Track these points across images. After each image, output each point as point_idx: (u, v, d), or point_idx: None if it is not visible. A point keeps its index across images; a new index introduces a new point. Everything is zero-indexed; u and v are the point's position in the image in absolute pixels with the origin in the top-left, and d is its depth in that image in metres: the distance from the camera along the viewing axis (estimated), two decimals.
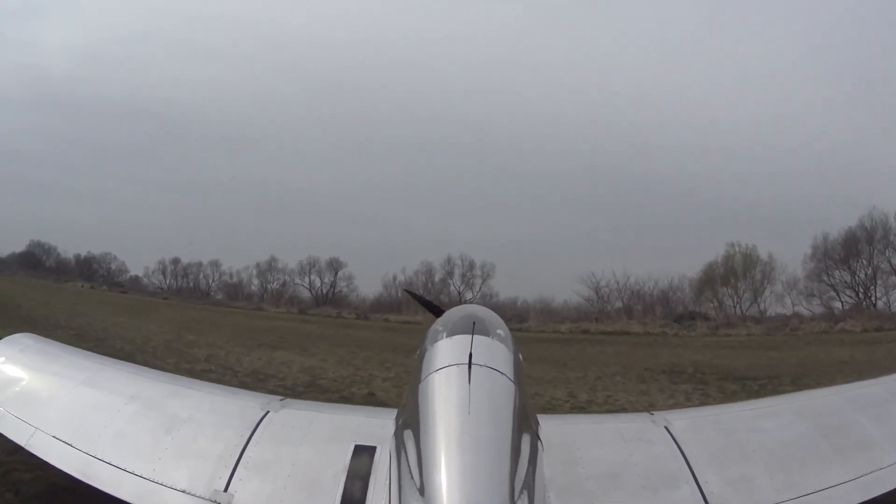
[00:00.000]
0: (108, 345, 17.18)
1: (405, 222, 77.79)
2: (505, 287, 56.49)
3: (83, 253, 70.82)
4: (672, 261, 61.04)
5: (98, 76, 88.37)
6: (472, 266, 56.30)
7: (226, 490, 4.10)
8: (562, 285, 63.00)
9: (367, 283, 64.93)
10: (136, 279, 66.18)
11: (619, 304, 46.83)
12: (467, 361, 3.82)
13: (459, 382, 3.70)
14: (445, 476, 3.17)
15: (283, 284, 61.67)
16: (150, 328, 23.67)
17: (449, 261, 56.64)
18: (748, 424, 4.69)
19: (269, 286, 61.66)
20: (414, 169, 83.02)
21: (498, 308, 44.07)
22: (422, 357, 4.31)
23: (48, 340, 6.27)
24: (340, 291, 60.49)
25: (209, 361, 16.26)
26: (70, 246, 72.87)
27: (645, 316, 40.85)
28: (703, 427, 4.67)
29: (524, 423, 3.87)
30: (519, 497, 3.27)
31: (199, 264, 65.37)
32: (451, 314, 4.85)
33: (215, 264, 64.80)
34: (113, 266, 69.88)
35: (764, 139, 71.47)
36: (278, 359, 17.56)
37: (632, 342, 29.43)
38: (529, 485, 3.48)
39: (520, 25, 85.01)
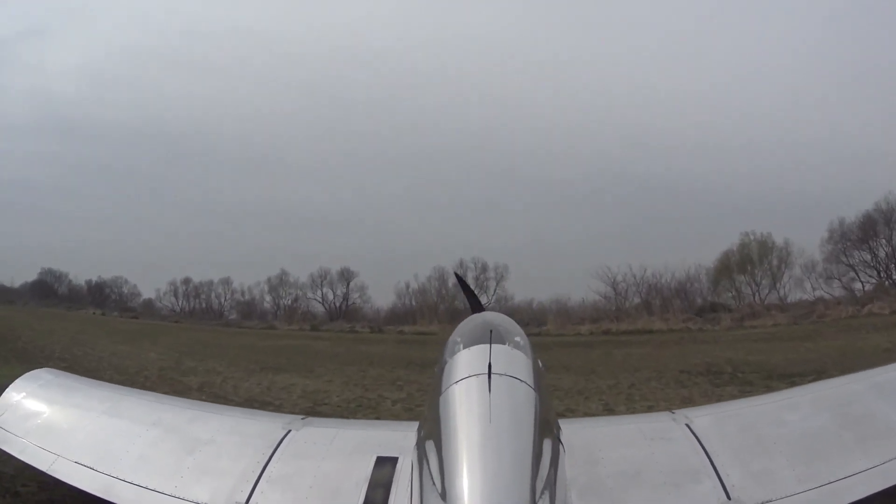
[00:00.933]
0: (99, 377, 15.62)
1: (415, 230, 76.36)
2: (520, 289, 55.11)
3: (94, 278, 70.11)
4: (687, 253, 60.33)
5: (103, 98, 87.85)
6: (485, 269, 54.47)
7: (247, 503, 4.12)
8: (577, 283, 62.02)
9: (381, 293, 64.84)
10: (148, 302, 65.06)
11: (636, 300, 45.37)
12: (487, 371, 3.85)
13: (480, 393, 3.74)
14: (467, 481, 3.22)
15: (296, 299, 59.62)
16: (148, 356, 22.46)
17: (461, 264, 54.56)
18: (769, 417, 4.65)
19: (281, 302, 60.08)
20: (421, 177, 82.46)
21: (515, 311, 42.85)
22: (441, 369, 4.34)
23: (68, 374, 6.38)
24: (353, 303, 58.71)
25: (202, 391, 15.04)
26: (81, 272, 72.25)
27: (665, 311, 39.41)
28: (725, 423, 4.63)
29: (545, 428, 3.91)
30: (540, 499, 3.32)
31: (211, 283, 63.69)
32: (468, 323, 4.83)
33: (226, 282, 63.09)
34: (125, 290, 68.92)
35: (773, 132, 69.87)
36: (279, 383, 16.31)
37: (657, 341, 28.03)
38: (551, 488, 3.53)
39: (520, 29, 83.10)
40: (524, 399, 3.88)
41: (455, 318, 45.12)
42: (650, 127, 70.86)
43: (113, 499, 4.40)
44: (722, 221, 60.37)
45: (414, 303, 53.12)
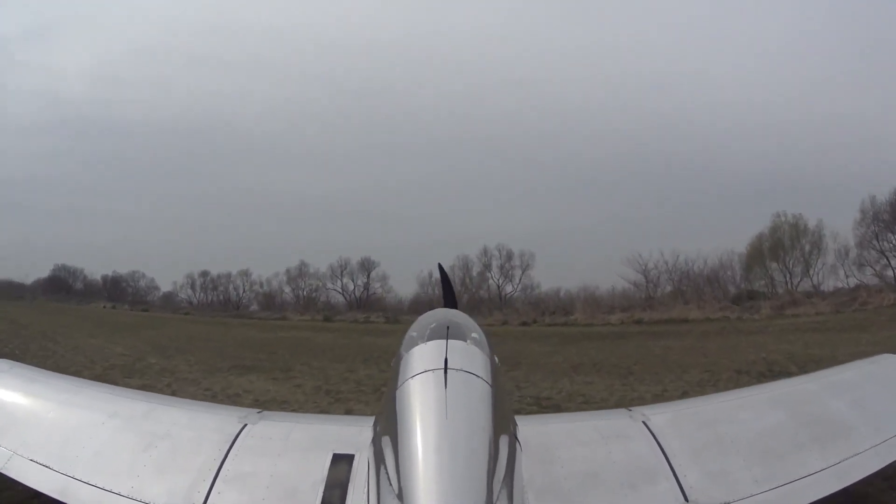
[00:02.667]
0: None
1: (438, 220, 73.41)
2: (546, 277, 52.76)
3: (110, 273, 69.49)
4: (719, 239, 60.17)
5: (114, 96, 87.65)
6: (510, 256, 51.79)
7: (205, 503, 4.02)
8: (605, 272, 60.85)
9: (404, 283, 63.62)
10: (169, 295, 64.48)
11: (668, 288, 42.98)
12: (443, 366, 3.81)
13: (436, 388, 3.68)
14: (423, 480, 3.18)
15: (316, 290, 58.11)
16: (114, 350, 20.11)
17: (486, 252, 52.16)
18: (726, 416, 4.65)
19: (300, 293, 58.54)
20: (444, 165, 78.99)
21: (541, 300, 43.87)
22: (398, 363, 4.28)
23: (25, 366, 6.21)
24: (374, 293, 56.31)
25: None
26: (99, 268, 72.09)
27: (699, 299, 37.15)
28: (682, 421, 4.59)
29: (502, 425, 3.87)
30: (497, 499, 3.29)
31: (228, 275, 62.57)
32: (425, 319, 4.83)
33: (245, 274, 61.91)
34: (142, 284, 68.65)
35: (802, 112, 65.97)
36: (237, 387, 13.66)
37: (697, 331, 25.15)
38: (508, 487, 3.51)
39: (542, 13, 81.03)
40: (480, 395, 3.78)
41: (476, 307, 43.84)
42: (677, 109, 68.75)
43: (70, 500, 4.24)
44: (754, 204, 59.82)
45: (437, 292, 50.53)
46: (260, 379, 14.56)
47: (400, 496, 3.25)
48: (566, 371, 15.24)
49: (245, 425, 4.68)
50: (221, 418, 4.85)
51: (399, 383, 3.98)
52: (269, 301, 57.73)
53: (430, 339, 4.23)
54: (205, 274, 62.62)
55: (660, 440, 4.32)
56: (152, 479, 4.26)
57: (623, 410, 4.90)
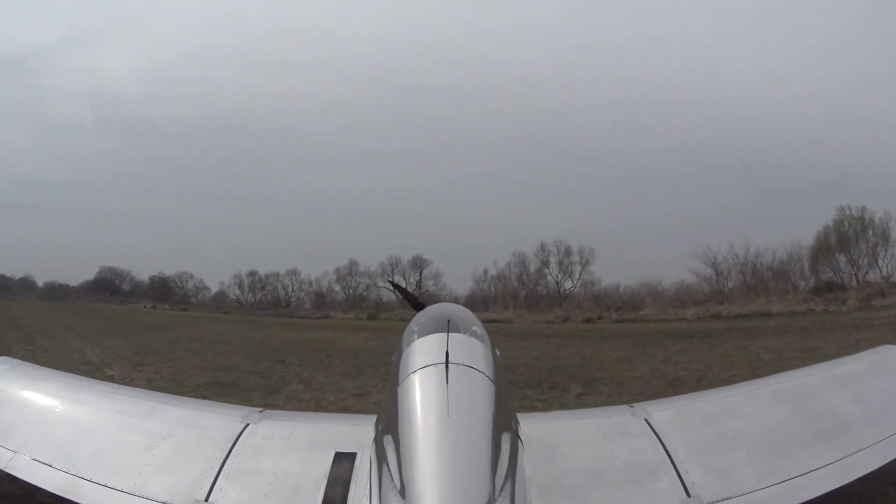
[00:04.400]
0: None
1: (493, 218, 74.42)
2: (606, 272, 52.31)
3: (157, 274, 69.66)
4: (785, 231, 57.41)
5: (167, 96, 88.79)
6: (568, 252, 49.83)
7: (207, 499, 4.04)
8: (666, 267, 59.84)
9: (458, 281, 63.47)
10: (220, 296, 65.12)
11: (737, 281, 40.97)
12: (444, 361, 3.74)
13: (437, 382, 3.63)
14: (426, 477, 3.13)
15: (367, 288, 57.01)
16: (85, 355, 17.09)
17: (543, 248, 50.23)
18: (728, 412, 4.61)
19: (350, 291, 57.67)
20: (500, 162, 79.50)
21: (603, 295, 40.96)
22: (398, 359, 4.20)
23: (26, 363, 6.17)
24: (426, 291, 53.98)
25: None
26: (147, 268, 71.92)
27: (774, 291, 34.75)
28: (683, 417, 4.58)
29: (504, 421, 3.82)
30: (499, 496, 3.26)
31: (277, 275, 62.87)
32: (425, 313, 4.78)
33: (293, 273, 62.18)
34: (189, 284, 67.48)
35: (863, 105, 62.44)
36: None
37: (793, 326, 21.06)
38: (510, 483, 3.47)
39: (595, 8, 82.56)
40: (482, 390, 3.70)
41: (533, 304, 40.57)
42: (741, 103, 66.76)
43: (73, 497, 4.20)
44: (817, 198, 58.49)
45: (492, 289, 49.73)
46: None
47: (402, 492, 3.19)
48: (666, 393, 10.41)
49: (248, 424, 4.64)
50: (224, 417, 4.80)
51: (400, 379, 3.86)
52: (320, 300, 57.02)
53: (429, 332, 4.07)
54: (252, 274, 63.53)
55: (662, 437, 4.29)
56: (155, 476, 4.23)
57: (625, 407, 4.83)
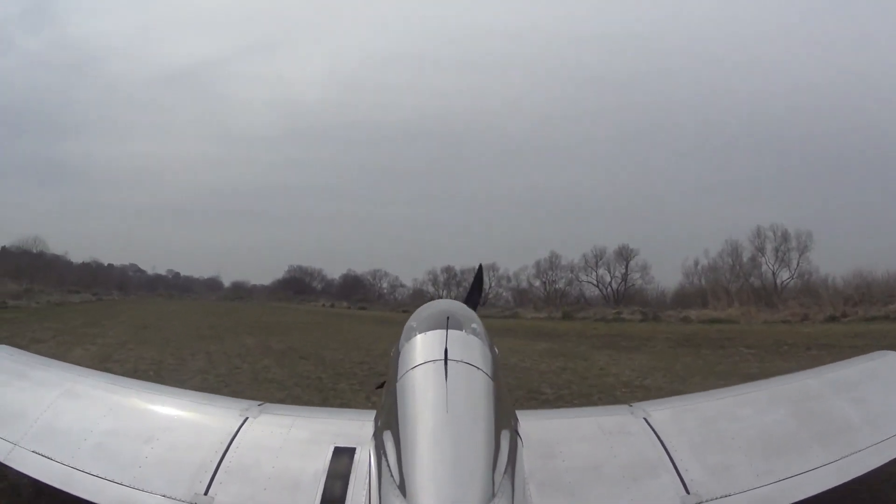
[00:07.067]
0: None
1: (702, 203, 72.10)
2: (825, 262, 48.43)
3: (347, 271, 71.55)
4: None
5: (353, 102, 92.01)
6: (785, 237, 44.89)
7: (206, 494, 4.02)
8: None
9: (666, 274, 60.84)
10: (418, 293, 64.75)
11: None
12: (443, 357, 3.82)
13: (436, 379, 3.71)
14: (425, 473, 3.18)
15: (568, 283, 55.07)
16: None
17: (759, 233, 45.44)
18: (727, 413, 4.65)
19: (549, 287, 55.98)
20: (708, 150, 77.20)
21: (820, 287, 36.70)
22: (397, 355, 4.31)
23: (26, 353, 6.14)
24: (633, 285, 52.75)
25: None
26: (341, 268, 74.86)
27: None
28: (683, 417, 4.60)
29: (502, 418, 3.85)
30: (498, 492, 3.25)
31: (473, 270, 59.36)
32: (424, 310, 4.71)
33: (491, 268, 60.08)
34: (384, 283, 68.33)
35: None
36: None
37: None
38: (509, 480, 3.47)
39: None
40: (481, 387, 3.77)
41: (753, 299, 34.99)
42: None
43: (72, 490, 4.19)
44: None
45: (704, 282, 45.28)
46: None
47: (401, 488, 3.22)
48: None
49: (247, 418, 4.64)
50: (223, 410, 4.81)
51: (399, 375, 3.98)
52: (520, 296, 55.06)
53: (428, 329, 4.14)
54: (448, 269, 62.95)
55: (661, 436, 4.31)
56: (154, 469, 4.22)
57: (624, 406, 4.84)
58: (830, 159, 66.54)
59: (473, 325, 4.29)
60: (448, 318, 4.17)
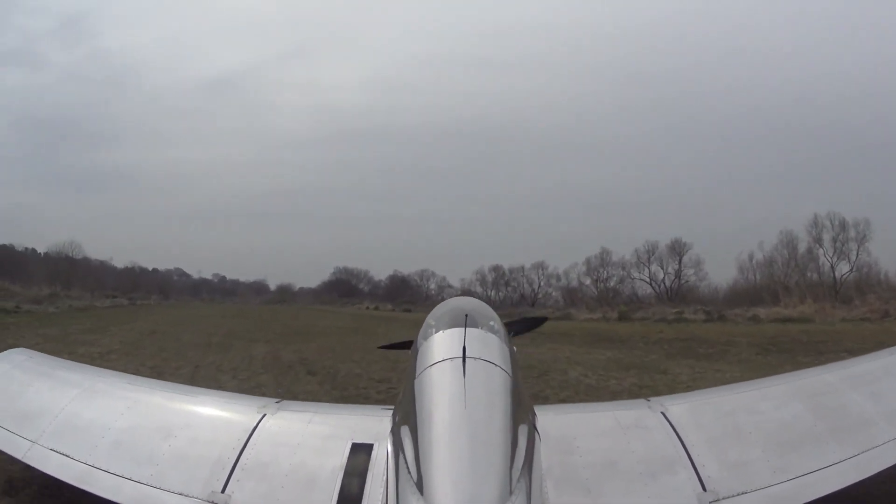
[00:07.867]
0: None
1: (756, 195, 70.05)
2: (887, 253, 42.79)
3: (392, 272, 71.08)
4: None
5: (394, 104, 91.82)
6: (843, 226, 42.42)
7: (223, 491, 4.03)
8: None
9: (720, 270, 60.16)
10: (466, 293, 63.52)
11: None
12: (461, 355, 3.84)
13: (454, 376, 3.73)
14: (442, 469, 3.18)
15: (620, 281, 53.42)
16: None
17: (816, 222, 43.16)
18: (744, 407, 4.59)
19: (600, 284, 54.25)
20: (758, 141, 74.88)
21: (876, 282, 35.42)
22: (415, 353, 4.37)
23: (43, 355, 6.21)
24: (686, 281, 50.85)
25: None
26: (388, 269, 74.45)
27: None
28: (700, 411, 4.59)
29: (520, 414, 3.88)
30: (516, 488, 3.26)
31: (522, 268, 61.35)
32: (442, 307, 4.81)
33: (540, 266, 60.22)
34: (431, 283, 67.80)
35: None
36: None
37: None
38: (527, 476, 3.49)
39: None
40: (499, 384, 3.82)
41: (825, 295, 33.70)
42: None
43: (90, 488, 4.23)
44: None
45: (758, 277, 44.21)
46: None
47: (419, 485, 3.21)
48: None
49: (264, 415, 4.65)
50: (240, 408, 4.82)
51: (417, 372, 3.97)
52: (570, 295, 53.38)
53: (447, 327, 4.21)
54: (497, 269, 60.58)
55: (678, 431, 4.29)
56: (171, 467, 4.24)
57: (642, 401, 4.83)
58: (884, 146, 63.36)
59: (491, 323, 4.39)
60: (466, 316, 4.27)
